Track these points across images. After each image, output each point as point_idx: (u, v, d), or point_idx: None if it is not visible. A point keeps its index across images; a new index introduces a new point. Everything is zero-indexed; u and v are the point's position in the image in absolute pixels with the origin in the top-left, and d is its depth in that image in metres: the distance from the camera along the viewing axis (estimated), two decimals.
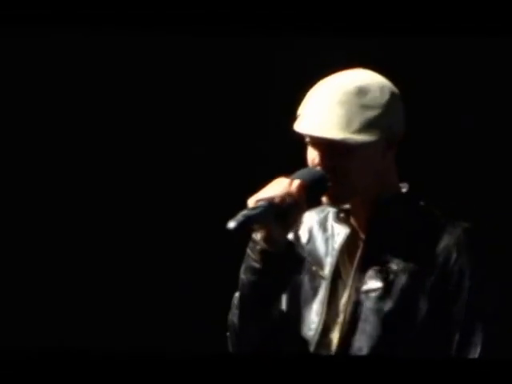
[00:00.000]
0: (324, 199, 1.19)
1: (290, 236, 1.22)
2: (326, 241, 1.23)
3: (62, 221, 4.00)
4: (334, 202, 1.21)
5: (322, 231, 1.25)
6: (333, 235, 1.23)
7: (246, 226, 1.15)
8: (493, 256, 1.33)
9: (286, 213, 1.15)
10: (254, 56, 3.75)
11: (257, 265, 1.16)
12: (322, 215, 1.27)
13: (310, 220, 1.26)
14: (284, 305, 1.22)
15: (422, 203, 1.24)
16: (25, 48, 3.72)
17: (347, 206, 1.21)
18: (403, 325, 1.15)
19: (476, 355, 1.14)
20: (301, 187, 1.14)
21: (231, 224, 1.14)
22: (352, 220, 1.22)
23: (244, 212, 1.15)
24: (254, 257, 1.16)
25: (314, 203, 1.21)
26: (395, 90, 1.24)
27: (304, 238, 1.26)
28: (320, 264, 1.22)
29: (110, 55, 3.90)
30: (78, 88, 3.88)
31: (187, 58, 3.78)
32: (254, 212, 1.15)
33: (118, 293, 3.84)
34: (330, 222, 1.25)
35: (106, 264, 3.89)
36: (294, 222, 1.17)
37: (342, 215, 1.23)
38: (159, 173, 4.18)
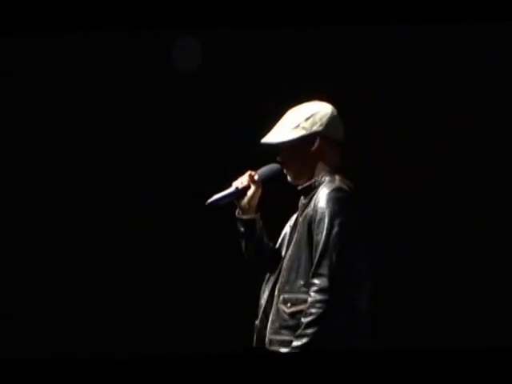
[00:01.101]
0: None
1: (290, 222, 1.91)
2: None
3: (61, 224, 4.04)
4: (291, 183, 1.83)
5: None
6: None
7: (216, 204, 1.85)
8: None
9: (244, 193, 1.84)
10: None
11: (239, 228, 1.89)
12: None
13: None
14: (275, 253, 1.90)
15: (331, 181, 1.77)
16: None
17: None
18: (298, 259, 1.76)
19: (322, 284, 1.67)
20: (251, 177, 1.84)
21: (207, 202, 1.85)
22: None
23: (216, 194, 1.85)
24: (237, 223, 1.88)
25: (275, 185, 1.88)
26: (327, 108, 1.85)
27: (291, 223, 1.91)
28: None
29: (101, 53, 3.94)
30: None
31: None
32: (221, 194, 1.84)
33: (117, 296, 3.86)
34: None
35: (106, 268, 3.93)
36: (251, 199, 1.84)
37: (301, 198, 1.84)
38: (154, 177, 4.17)
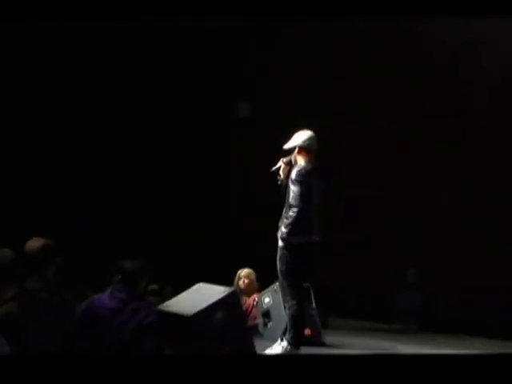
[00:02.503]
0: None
1: None
2: None
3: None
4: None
5: None
6: None
7: (273, 171, 3.82)
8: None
9: (280, 168, 3.84)
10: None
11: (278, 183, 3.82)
12: None
13: None
14: None
15: (299, 166, 3.68)
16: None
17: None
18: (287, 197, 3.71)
19: (291, 208, 3.61)
20: (282, 160, 3.83)
21: (271, 169, 3.86)
22: None
23: (274, 166, 3.86)
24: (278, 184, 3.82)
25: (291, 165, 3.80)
26: (306, 134, 3.78)
27: None
28: None
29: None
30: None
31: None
32: (274, 168, 3.84)
33: None
34: None
35: None
36: (283, 171, 3.77)
37: None
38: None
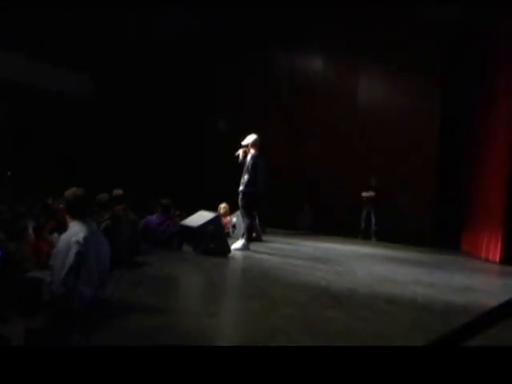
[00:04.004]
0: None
1: None
2: None
3: None
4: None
5: None
6: None
7: (237, 156, 5.99)
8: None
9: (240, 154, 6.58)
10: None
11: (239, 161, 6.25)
12: None
13: None
14: None
15: (252, 153, 5.65)
16: None
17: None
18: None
19: (246, 173, 5.55)
20: (241, 150, 5.94)
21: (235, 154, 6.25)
22: None
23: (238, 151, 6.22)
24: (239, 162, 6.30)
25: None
26: (253, 136, 5.71)
27: None
28: None
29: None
30: None
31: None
32: (237, 152, 5.95)
33: None
34: None
35: None
36: (241, 155, 5.86)
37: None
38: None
